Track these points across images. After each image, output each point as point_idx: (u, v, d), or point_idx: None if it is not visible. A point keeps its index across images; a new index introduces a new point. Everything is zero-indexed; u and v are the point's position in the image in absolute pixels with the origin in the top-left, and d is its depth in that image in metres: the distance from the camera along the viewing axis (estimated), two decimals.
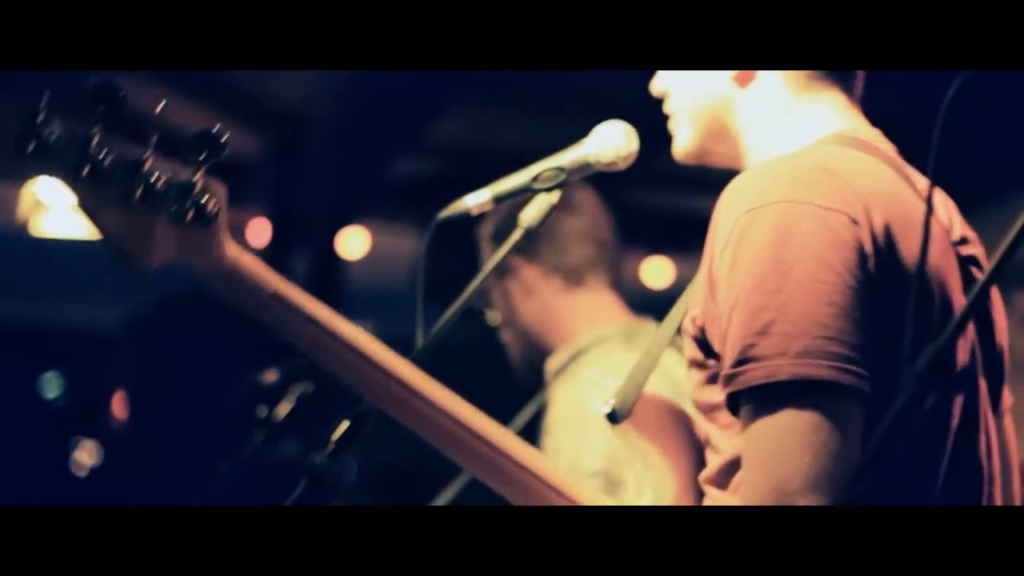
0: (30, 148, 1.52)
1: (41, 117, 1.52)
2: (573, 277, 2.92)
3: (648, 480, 2.51)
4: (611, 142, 1.92)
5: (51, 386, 9.63)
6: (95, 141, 1.54)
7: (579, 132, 1.96)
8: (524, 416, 3.02)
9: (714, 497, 1.73)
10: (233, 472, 3.29)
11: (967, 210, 1.86)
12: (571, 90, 5.14)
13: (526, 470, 1.73)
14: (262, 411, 3.08)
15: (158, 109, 1.56)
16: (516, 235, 1.91)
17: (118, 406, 7.78)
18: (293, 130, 5.69)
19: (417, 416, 1.71)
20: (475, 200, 1.93)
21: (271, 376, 3.09)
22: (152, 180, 1.57)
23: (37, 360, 9.18)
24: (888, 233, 1.60)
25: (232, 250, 1.63)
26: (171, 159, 1.61)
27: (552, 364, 2.90)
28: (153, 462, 6.70)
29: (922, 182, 1.75)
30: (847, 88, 1.83)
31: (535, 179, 1.92)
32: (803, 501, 1.50)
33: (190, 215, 1.59)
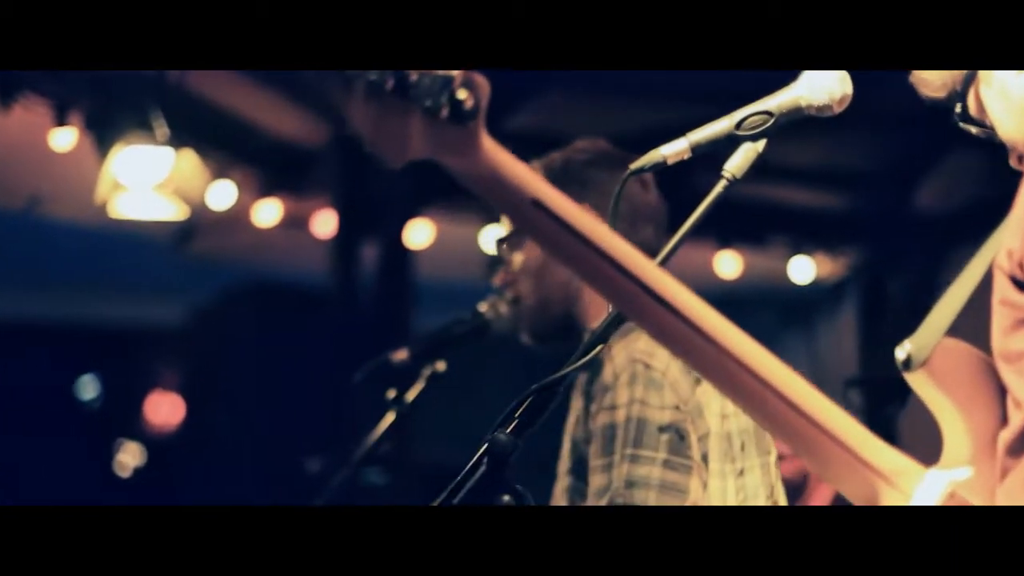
0: None
1: None
2: None
3: (757, 436, 2.33)
4: (824, 85, 1.76)
5: (87, 389, 9.44)
6: None
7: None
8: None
9: (1004, 466, 1.53)
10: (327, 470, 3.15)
11: None
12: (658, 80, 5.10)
13: (794, 407, 1.53)
14: (391, 393, 2.86)
15: None
16: (719, 187, 1.77)
17: (165, 407, 7.67)
18: None
19: (674, 334, 1.53)
20: (671, 149, 1.81)
21: (401, 355, 2.86)
22: (405, 71, 1.49)
23: (77, 359, 9.02)
24: None
25: (491, 152, 1.49)
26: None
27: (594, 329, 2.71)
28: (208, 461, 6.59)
29: None
30: None
31: (739, 125, 1.78)
32: None
33: (445, 111, 1.50)
